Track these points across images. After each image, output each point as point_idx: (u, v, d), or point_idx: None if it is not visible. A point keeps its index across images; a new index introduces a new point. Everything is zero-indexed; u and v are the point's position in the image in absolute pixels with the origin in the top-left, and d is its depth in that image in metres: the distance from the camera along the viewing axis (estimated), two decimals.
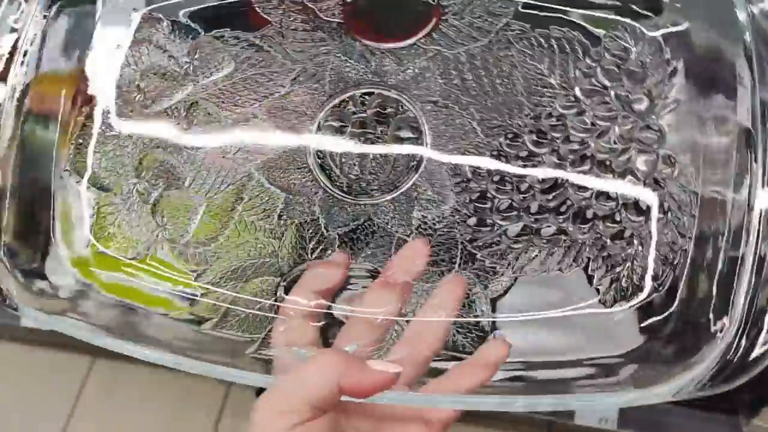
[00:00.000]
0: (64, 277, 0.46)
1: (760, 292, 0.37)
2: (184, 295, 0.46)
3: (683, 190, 0.42)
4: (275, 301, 0.45)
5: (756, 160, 0.39)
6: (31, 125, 0.47)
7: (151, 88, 0.49)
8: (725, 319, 0.38)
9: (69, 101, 0.48)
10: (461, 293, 0.43)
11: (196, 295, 0.46)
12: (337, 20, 0.48)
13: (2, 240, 0.44)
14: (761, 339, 0.37)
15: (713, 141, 0.42)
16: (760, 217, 0.38)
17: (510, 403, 0.38)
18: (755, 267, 0.37)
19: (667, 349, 0.40)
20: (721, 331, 0.38)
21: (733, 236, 0.39)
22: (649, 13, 0.44)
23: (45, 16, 0.46)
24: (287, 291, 0.46)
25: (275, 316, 0.45)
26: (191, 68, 0.49)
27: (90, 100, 0.48)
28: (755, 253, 0.38)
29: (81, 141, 0.48)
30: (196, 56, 0.49)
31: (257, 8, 0.49)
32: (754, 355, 0.36)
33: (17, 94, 0.46)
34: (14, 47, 0.45)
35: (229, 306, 0.45)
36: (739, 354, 0.37)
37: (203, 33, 0.49)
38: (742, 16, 0.40)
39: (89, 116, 0.48)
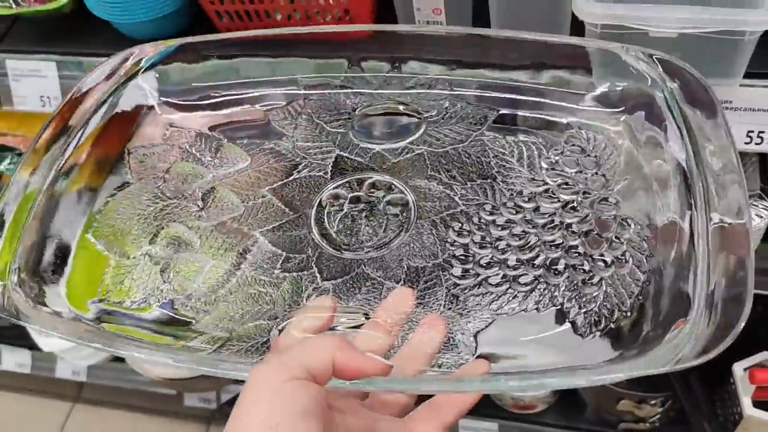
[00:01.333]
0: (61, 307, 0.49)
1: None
2: (177, 336, 0.49)
3: (639, 237, 0.48)
4: (267, 340, 0.48)
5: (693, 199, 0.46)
6: (66, 188, 0.54)
7: (175, 177, 0.57)
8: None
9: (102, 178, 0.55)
10: (442, 333, 0.47)
11: (191, 337, 0.49)
12: (340, 131, 0.58)
13: (20, 271, 0.48)
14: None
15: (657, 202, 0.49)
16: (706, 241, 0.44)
17: (495, 384, 0.40)
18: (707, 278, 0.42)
19: (636, 350, 0.43)
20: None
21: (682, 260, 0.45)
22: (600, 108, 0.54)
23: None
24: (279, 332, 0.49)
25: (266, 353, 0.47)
26: (212, 165, 0.57)
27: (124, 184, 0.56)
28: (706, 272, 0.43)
29: (104, 209, 0.54)
30: (217, 156, 0.58)
31: (273, 124, 0.59)
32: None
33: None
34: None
35: (224, 343, 0.48)
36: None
37: (225, 140, 0.59)
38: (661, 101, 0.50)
39: (118, 190, 0.55)
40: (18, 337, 1.28)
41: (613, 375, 0.40)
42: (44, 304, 0.47)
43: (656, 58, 0.51)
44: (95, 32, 0.80)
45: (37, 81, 0.82)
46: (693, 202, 0.46)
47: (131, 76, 0.58)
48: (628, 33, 0.53)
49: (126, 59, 0.58)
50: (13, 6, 0.81)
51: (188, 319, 0.49)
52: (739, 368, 0.91)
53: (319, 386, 0.38)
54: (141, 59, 0.58)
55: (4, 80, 0.83)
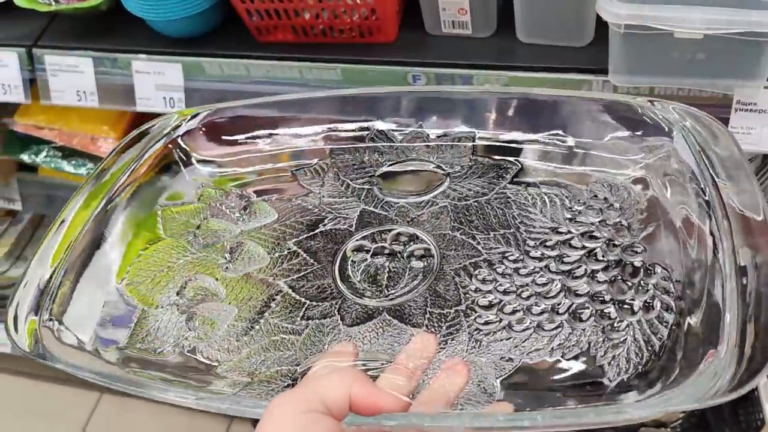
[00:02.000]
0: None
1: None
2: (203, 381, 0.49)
3: (666, 281, 0.48)
4: (289, 384, 0.48)
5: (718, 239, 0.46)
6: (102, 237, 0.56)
7: (205, 233, 0.58)
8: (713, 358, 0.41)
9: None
10: (465, 378, 0.46)
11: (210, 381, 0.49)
12: (365, 186, 0.60)
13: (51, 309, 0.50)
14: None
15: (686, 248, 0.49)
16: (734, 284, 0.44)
17: (519, 420, 0.39)
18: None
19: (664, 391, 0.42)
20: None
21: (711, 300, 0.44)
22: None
23: None
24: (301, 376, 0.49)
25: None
26: (241, 220, 0.59)
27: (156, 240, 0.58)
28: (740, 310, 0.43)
29: (137, 266, 0.56)
30: (246, 212, 0.60)
31: (301, 183, 0.61)
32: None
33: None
34: None
35: (245, 387, 0.48)
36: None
37: (255, 197, 0.61)
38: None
39: (150, 245, 0.57)
40: None
41: (641, 412, 0.39)
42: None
43: (674, 108, 0.52)
44: (130, 29, 0.84)
45: (74, 76, 0.86)
46: (719, 241, 0.45)
47: (165, 140, 0.61)
48: (652, 34, 0.54)
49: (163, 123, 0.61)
50: (53, 3, 0.86)
51: (211, 364, 0.49)
52: None
53: (335, 420, 0.38)
54: (176, 124, 0.61)
55: (43, 75, 0.88)
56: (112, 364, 0.48)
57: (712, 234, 0.46)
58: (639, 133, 0.53)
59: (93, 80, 0.86)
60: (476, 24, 0.66)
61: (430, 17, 0.68)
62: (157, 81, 0.80)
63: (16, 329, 0.45)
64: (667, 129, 0.52)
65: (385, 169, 0.60)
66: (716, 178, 0.48)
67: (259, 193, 0.60)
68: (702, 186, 0.48)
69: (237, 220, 0.58)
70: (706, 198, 0.48)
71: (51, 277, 0.50)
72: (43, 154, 1.11)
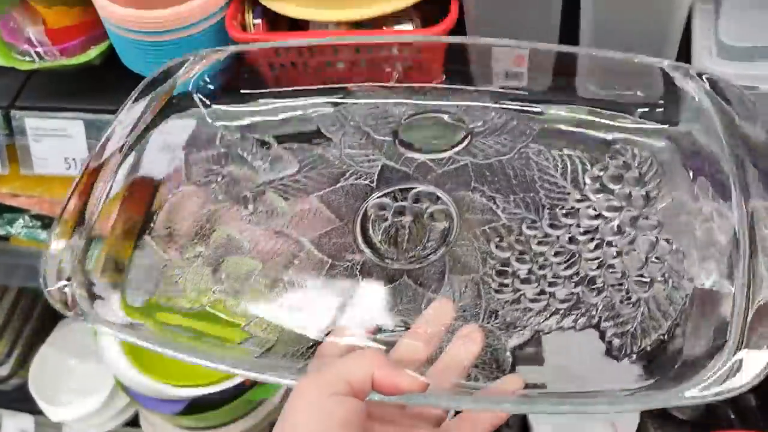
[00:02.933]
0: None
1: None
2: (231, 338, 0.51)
3: (679, 259, 0.49)
4: (313, 344, 0.50)
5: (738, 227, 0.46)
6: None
7: (228, 180, 0.59)
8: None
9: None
10: (479, 345, 0.48)
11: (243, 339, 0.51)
12: (387, 139, 0.59)
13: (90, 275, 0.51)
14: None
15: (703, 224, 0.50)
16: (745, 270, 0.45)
17: (530, 406, 0.42)
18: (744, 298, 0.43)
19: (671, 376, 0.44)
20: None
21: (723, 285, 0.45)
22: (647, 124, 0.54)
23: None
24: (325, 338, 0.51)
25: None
26: (263, 169, 0.59)
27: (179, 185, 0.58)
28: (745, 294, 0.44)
29: (161, 213, 0.57)
30: (267, 161, 0.60)
31: (321, 130, 0.61)
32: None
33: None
34: None
35: (271, 347, 0.50)
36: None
37: (275, 145, 0.61)
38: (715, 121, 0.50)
39: (173, 193, 0.58)
40: (20, 401, 1.21)
41: (653, 402, 0.41)
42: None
43: (705, 77, 0.51)
44: (127, 86, 0.63)
45: (61, 141, 0.73)
46: (740, 220, 0.46)
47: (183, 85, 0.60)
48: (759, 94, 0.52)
49: (179, 65, 0.61)
50: (36, 60, 0.73)
51: (237, 321, 0.51)
52: None
53: (359, 401, 0.40)
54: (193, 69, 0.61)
55: (23, 140, 0.73)
56: (143, 320, 0.50)
57: (732, 213, 0.46)
58: (669, 101, 0.53)
59: (84, 146, 0.73)
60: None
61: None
62: (165, 140, 0.61)
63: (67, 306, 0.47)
64: (697, 99, 0.51)
65: (407, 121, 0.59)
66: (741, 157, 0.48)
67: (280, 139, 0.60)
68: (727, 161, 0.48)
69: (258, 168, 0.59)
70: (729, 176, 0.48)
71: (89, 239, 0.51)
72: (19, 223, 0.93)
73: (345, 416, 0.39)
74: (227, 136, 0.61)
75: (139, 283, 0.53)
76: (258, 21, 0.69)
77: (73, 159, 0.74)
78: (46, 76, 0.76)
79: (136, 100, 0.59)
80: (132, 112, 0.58)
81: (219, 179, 0.59)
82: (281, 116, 0.62)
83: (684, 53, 0.61)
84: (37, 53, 0.73)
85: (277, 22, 0.71)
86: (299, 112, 0.61)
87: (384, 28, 0.66)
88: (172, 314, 0.52)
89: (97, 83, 0.75)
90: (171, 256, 0.55)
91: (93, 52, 0.73)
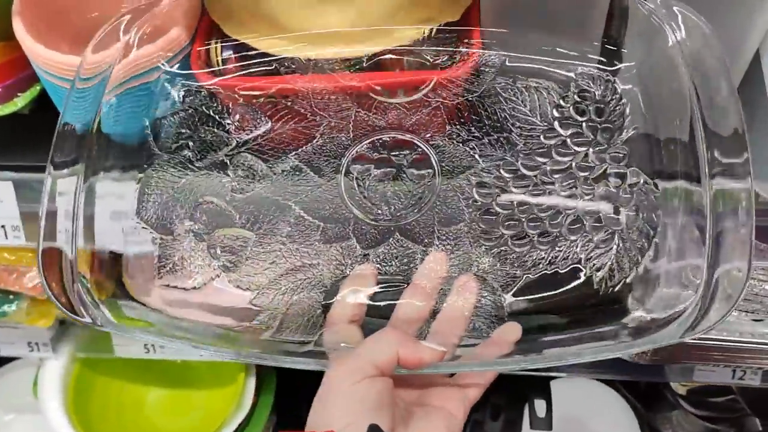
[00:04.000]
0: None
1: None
2: (241, 315, 0.54)
3: (647, 190, 0.53)
4: (322, 311, 0.53)
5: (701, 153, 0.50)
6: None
7: (199, 146, 0.58)
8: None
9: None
10: (475, 294, 0.53)
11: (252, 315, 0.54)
12: (355, 83, 0.59)
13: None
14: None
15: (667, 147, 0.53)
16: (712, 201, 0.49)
17: (528, 362, 0.47)
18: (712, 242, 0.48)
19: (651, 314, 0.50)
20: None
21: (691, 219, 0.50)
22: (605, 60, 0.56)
23: None
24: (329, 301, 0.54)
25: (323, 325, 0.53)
26: (233, 128, 0.59)
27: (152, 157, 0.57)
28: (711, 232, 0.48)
29: (146, 190, 0.57)
30: (236, 118, 0.59)
31: (285, 76, 0.60)
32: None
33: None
34: None
35: (283, 317, 0.53)
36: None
37: (241, 100, 0.59)
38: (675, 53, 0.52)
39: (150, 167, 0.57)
40: None
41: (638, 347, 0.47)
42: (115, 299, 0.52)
43: (676, 9, 0.53)
44: None
45: None
46: (698, 152, 0.50)
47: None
48: None
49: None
50: None
51: (245, 292, 0.54)
52: None
53: (387, 378, 0.45)
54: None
55: None
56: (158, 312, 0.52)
57: (692, 148, 0.51)
58: (631, 31, 0.55)
59: (16, 211, 0.64)
60: None
61: None
62: (115, 206, 0.55)
63: (74, 311, 0.49)
64: (663, 31, 0.53)
65: (370, 61, 0.59)
66: (698, 92, 0.52)
67: (245, 94, 0.59)
68: (688, 95, 0.52)
69: (228, 127, 0.59)
70: (691, 108, 0.51)
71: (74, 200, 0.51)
72: None
73: (377, 398, 0.44)
74: (189, 95, 0.60)
75: (138, 270, 0.54)
76: (229, 53, 0.60)
77: (2, 225, 0.66)
78: None
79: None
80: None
81: (190, 144, 0.58)
82: (243, 68, 0.60)
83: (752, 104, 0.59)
84: None
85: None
86: (260, 60, 0.60)
87: None
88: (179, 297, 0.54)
89: (27, 136, 0.63)
90: (162, 234, 0.56)
91: (20, 101, 0.62)
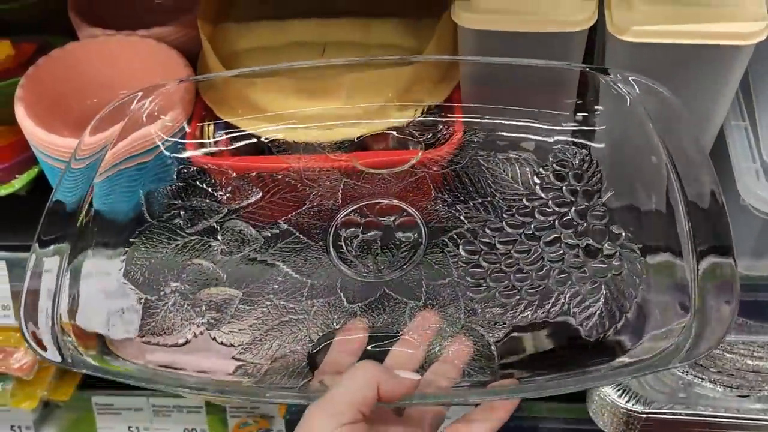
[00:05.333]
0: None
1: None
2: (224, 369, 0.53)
3: (630, 244, 0.55)
4: (307, 363, 0.52)
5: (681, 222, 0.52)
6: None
7: (190, 214, 0.60)
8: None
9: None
10: (468, 347, 0.52)
11: (235, 368, 0.53)
12: (343, 159, 0.62)
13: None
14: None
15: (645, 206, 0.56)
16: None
17: (525, 391, 0.46)
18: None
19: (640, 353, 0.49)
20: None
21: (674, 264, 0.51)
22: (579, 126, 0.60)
23: None
24: (316, 356, 0.53)
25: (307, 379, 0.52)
26: (224, 199, 0.61)
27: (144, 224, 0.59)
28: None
29: (134, 255, 0.57)
30: (229, 189, 0.61)
31: (277, 155, 0.63)
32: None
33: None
34: None
35: (268, 369, 0.52)
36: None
37: (234, 174, 0.62)
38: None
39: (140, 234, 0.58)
40: None
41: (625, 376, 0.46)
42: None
43: (632, 79, 0.57)
44: None
45: None
46: (674, 204, 0.52)
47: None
48: None
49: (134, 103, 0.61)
50: None
51: (227, 347, 0.53)
52: None
53: (363, 425, 0.43)
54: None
55: None
56: (133, 362, 0.50)
57: (667, 200, 0.52)
58: (603, 104, 0.59)
59: (8, 290, 0.63)
60: None
61: None
62: (99, 284, 0.55)
63: (42, 346, 0.47)
64: (626, 100, 0.57)
65: (360, 138, 0.62)
66: (670, 145, 0.54)
67: (237, 169, 0.62)
68: (659, 155, 0.54)
69: (220, 198, 0.60)
70: (663, 166, 0.54)
71: (57, 279, 0.51)
72: None
73: None
74: (184, 170, 0.62)
75: (122, 326, 0.53)
76: (220, 135, 0.64)
77: None
78: None
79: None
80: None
81: (182, 213, 0.59)
82: (236, 145, 0.63)
83: (720, 170, 0.59)
84: None
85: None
86: (253, 140, 0.63)
87: None
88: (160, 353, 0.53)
89: (22, 214, 0.63)
90: (148, 294, 0.55)
91: (18, 183, 0.64)
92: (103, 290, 0.55)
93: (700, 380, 0.69)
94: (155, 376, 0.49)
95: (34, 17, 0.72)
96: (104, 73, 0.64)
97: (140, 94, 0.61)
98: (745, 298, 0.51)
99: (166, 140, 0.62)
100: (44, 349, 0.47)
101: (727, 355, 0.71)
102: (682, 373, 0.80)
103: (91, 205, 0.56)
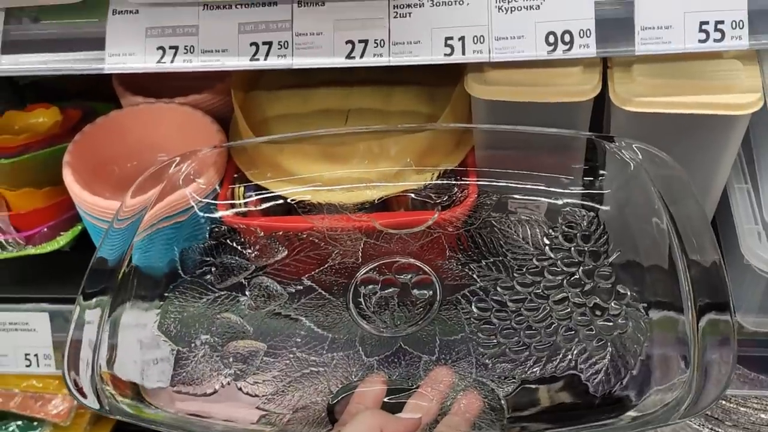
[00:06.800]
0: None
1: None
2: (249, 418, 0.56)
3: (635, 302, 0.58)
4: (326, 414, 0.56)
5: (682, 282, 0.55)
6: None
7: (221, 271, 0.64)
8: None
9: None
10: (479, 401, 0.55)
11: (259, 417, 0.56)
12: (364, 219, 0.67)
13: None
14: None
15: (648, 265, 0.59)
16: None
17: None
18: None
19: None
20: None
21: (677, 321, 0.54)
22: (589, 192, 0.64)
23: None
24: (335, 407, 0.57)
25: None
26: (253, 256, 0.65)
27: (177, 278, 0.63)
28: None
29: (168, 309, 0.62)
30: (257, 248, 0.66)
31: (303, 215, 0.68)
32: None
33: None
34: None
35: (290, 419, 0.55)
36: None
37: (262, 233, 0.67)
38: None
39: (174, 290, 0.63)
40: None
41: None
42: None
43: (636, 147, 0.61)
44: None
45: (21, 336, 0.66)
46: (675, 264, 0.55)
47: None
48: None
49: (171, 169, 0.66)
50: None
51: (252, 397, 0.56)
52: None
53: None
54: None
55: None
56: (166, 410, 0.54)
57: (670, 260, 0.55)
58: (605, 167, 0.62)
59: (49, 340, 0.66)
60: None
61: None
62: (136, 335, 0.57)
63: (82, 394, 0.51)
64: (630, 165, 0.61)
65: (379, 200, 0.66)
66: (673, 217, 0.57)
67: (265, 228, 0.66)
68: (662, 217, 0.57)
69: (249, 256, 0.64)
70: (666, 228, 0.57)
71: (98, 330, 0.55)
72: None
73: None
74: (216, 229, 0.66)
75: (155, 375, 0.57)
76: (250, 195, 0.67)
77: (35, 355, 0.67)
78: (7, 261, 0.66)
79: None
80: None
81: (213, 270, 0.64)
82: (264, 206, 0.68)
83: (725, 231, 0.64)
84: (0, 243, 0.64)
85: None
86: (280, 201, 0.68)
87: None
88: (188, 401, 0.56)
89: (63, 269, 0.68)
90: (180, 346, 0.59)
91: (62, 240, 0.68)
92: (139, 341, 0.59)
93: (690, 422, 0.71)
94: (186, 425, 0.53)
95: (79, 85, 0.79)
96: (145, 138, 0.69)
97: (178, 159, 0.65)
98: (755, 353, 0.54)
99: (200, 201, 0.66)
100: (84, 396, 0.51)
101: (741, 408, 0.73)
102: (698, 426, 0.82)
103: (130, 261, 0.60)
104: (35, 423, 0.81)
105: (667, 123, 0.57)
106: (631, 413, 0.51)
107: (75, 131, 0.67)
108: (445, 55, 0.56)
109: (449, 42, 0.57)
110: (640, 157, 0.59)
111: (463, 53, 0.56)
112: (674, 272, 0.54)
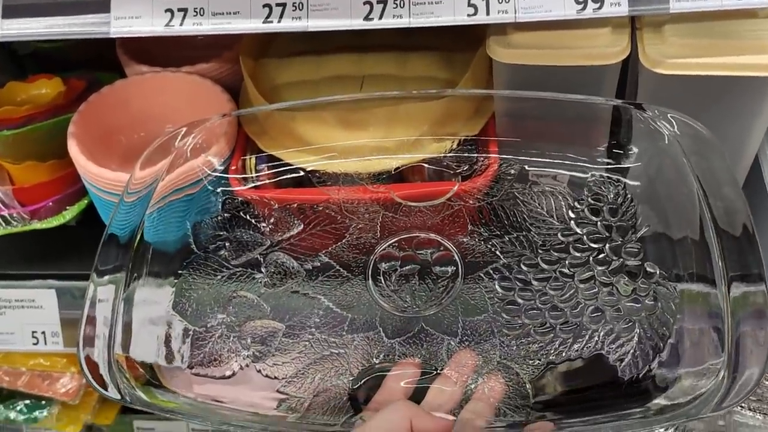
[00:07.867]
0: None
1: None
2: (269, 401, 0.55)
3: (664, 281, 0.56)
4: (348, 398, 0.54)
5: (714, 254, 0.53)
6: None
7: (235, 246, 0.62)
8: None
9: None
10: (502, 384, 0.54)
11: (279, 402, 0.55)
12: (381, 191, 0.64)
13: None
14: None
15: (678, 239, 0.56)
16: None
17: None
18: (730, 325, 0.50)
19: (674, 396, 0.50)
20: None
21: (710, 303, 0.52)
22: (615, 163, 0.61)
23: None
24: (357, 391, 0.55)
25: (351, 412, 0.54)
26: (267, 230, 0.63)
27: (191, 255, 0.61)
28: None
29: (183, 286, 0.60)
30: (271, 221, 0.63)
31: (318, 186, 0.65)
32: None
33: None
34: None
35: (311, 403, 0.54)
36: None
37: (276, 206, 0.64)
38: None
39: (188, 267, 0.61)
40: None
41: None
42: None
43: (670, 116, 0.58)
44: None
45: (28, 313, 0.65)
46: (706, 236, 0.53)
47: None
48: None
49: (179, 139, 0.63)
50: (2, 225, 0.63)
51: (271, 380, 0.55)
52: None
53: None
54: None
55: None
56: (183, 396, 0.53)
57: (701, 232, 0.53)
58: (634, 136, 0.59)
59: (57, 317, 0.65)
60: None
61: None
62: (151, 313, 0.56)
63: (104, 387, 0.50)
64: (663, 136, 0.58)
65: (397, 170, 0.64)
66: (705, 184, 0.55)
67: (279, 200, 0.64)
68: (694, 192, 0.55)
69: (264, 230, 0.62)
70: (697, 203, 0.54)
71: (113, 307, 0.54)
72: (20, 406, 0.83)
73: None
74: (228, 201, 0.64)
75: (171, 355, 0.56)
76: (262, 167, 0.66)
77: (42, 332, 0.66)
78: (12, 237, 0.65)
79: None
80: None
81: (227, 245, 0.62)
82: (277, 178, 0.65)
83: (756, 199, 0.62)
84: (3, 218, 0.63)
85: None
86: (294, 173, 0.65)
87: None
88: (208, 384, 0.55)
89: (70, 245, 0.67)
90: (196, 326, 0.58)
91: (68, 214, 0.66)
92: (153, 319, 0.58)
93: (739, 408, 0.70)
94: (204, 413, 0.52)
95: (82, 54, 0.75)
96: (151, 108, 0.66)
97: (184, 129, 0.63)
98: None
99: (211, 173, 0.64)
100: (105, 387, 0.50)
101: (766, 382, 0.71)
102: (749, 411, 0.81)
103: (142, 236, 0.58)
104: (43, 402, 0.80)
105: (697, 86, 0.54)
106: (661, 401, 0.50)
107: (79, 102, 0.64)
108: (469, 15, 0.53)
109: (472, 1, 0.53)
110: (674, 126, 0.56)
111: (488, 13, 0.52)
112: (704, 245, 0.52)
